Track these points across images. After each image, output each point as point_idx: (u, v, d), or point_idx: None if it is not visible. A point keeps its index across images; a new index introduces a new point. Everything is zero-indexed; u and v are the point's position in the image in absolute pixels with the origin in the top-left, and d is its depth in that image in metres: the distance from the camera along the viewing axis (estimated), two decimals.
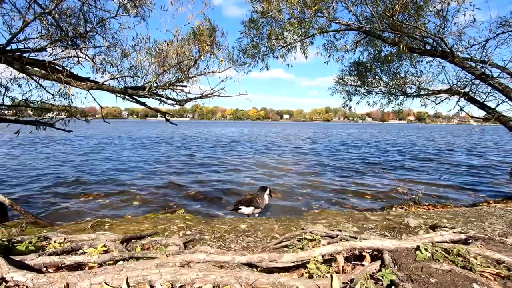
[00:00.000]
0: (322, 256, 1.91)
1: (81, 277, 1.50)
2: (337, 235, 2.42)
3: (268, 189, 5.04)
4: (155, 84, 4.24)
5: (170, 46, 4.10)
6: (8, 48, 3.81)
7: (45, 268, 1.77)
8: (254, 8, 6.26)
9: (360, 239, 2.22)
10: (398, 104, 7.89)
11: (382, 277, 1.44)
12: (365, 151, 16.18)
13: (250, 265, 1.83)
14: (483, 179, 8.44)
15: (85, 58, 4.16)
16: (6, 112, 5.21)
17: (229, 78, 4.29)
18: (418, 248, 1.73)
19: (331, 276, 1.47)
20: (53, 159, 11.23)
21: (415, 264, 1.57)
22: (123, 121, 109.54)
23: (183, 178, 8.13)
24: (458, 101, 6.14)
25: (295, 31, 5.83)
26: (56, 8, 3.56)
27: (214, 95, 4.47)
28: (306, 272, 1.74)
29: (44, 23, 3.81)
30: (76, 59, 4.06)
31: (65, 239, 2.33)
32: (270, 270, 1.83)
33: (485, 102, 5.94)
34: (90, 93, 4.42)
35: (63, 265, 1.79)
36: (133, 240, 2.50)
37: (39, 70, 4.05)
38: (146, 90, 4.16)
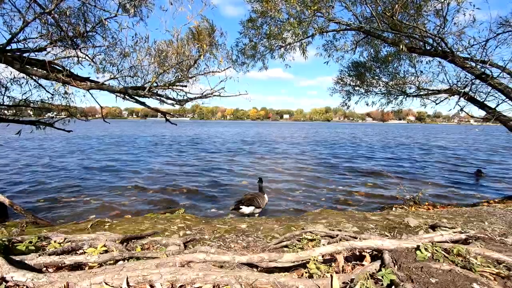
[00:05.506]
0: (322, 256, 1.91)
1: (81, 277, 1.50)
2: (337, 235, 2.42)
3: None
4: (155, 84, 4.23)
5: (169, 46, 4.09)
6: (8, 48, 3.80)
7: (45, 268, 1.77)
8: (253, 8, 6.25)
9: (360, 239, 2.22)
10: (397, 104, 7.90)
11: (382, 277, 1.44)
12: (365, 151, 16.17)
13: (250, 265, 1.83)
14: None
15: (85, 58, 4.15)
16: (6, 112, 5.20)
17: (228, 78, 4.28)
18: (418, 248, 1.73)
19: (331, 276, 1.47)
20: (53, 159, 11.23)
21: (415, 264, 1.57)
22: (123, 121, 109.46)
23: (183, 179, 8.13)
24: (458, 101, 6.14)
25: (295, 31, 5.82)
26: (56, 8, 3.55)
27: (214, 95, 4.47)
28: (306, 272, 1.74)
29: (44, 23, 3.80)
30: (76, 59, 4.05)
31: (65, 239, 2.33)
32: (270, 270, 1.82)
33: (485, 102, 5.95)
34: (90, 93, 4.41)
35: (63, 265, 1.79)
36: (133, 240, 2.50)
37: (39, 70, 4.04)
38: (146, 90, 4.15)
